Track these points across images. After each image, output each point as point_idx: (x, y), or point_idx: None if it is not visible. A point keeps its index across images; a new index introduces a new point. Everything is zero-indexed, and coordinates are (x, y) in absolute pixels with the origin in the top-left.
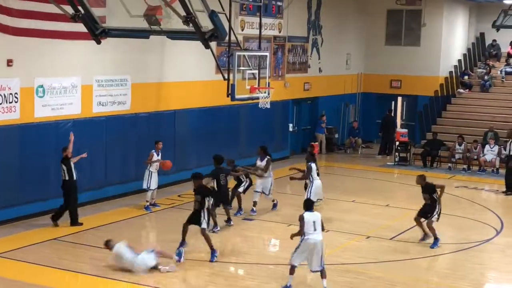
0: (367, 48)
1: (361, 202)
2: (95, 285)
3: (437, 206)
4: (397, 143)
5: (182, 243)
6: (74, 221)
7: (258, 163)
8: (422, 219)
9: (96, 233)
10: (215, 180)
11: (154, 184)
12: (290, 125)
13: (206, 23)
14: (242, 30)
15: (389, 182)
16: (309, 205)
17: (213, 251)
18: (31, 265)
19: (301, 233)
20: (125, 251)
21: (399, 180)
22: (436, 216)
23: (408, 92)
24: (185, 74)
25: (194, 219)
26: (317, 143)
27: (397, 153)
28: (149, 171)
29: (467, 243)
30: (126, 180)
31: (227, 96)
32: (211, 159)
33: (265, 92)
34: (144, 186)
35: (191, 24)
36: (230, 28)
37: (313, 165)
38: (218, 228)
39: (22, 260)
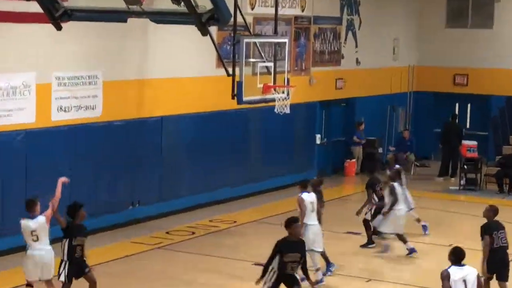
0: (421, 32)
1: (413, 241)
2: None
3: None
4: (464, 160)
5: None
6: None
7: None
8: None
9: None
10: None
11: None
12: (318, 136)
13: (203, 2)
14: (252, 9)
15: (453, 213)
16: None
17: None
18: None
19: None
20: None
21: (467, 210)
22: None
23: (477, 90)
24: (176, 69)
25: None
26: (353, 160)
27: (463, 174)
28: None
29: None
30: (97, 212)
31: (232, 98)
32: (210, 183)
33: (283, 92)
34: None
35: (182, 3)
36: (236, 6)
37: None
38: None
39: None
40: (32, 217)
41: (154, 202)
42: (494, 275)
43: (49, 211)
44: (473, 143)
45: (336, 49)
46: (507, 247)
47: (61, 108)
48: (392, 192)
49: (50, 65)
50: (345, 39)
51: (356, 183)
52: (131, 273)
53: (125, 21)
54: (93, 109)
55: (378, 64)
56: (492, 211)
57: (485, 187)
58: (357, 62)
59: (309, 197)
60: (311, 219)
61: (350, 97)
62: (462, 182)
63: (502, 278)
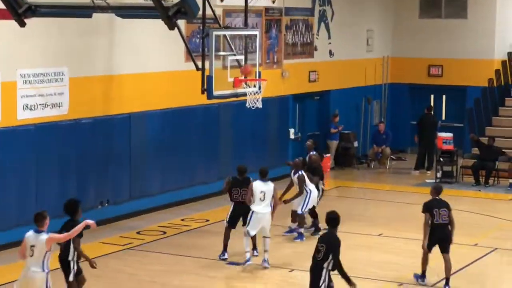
0: (395, 23)
1: (391, 235)
2: None
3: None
4: (440, 152)
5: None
6: None
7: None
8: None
9: None
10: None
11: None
12: (291, 130)
13: None
14: (222, 0)
15: None
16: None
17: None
18: None
19: None
20: None
21: None
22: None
23: (452, 81)
24: (143, 64)
25: None
26: (328, 155)
27: (439, 167)
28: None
29: None
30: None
31: (202, 93)
32: (181, 181)
33: (254, 86)
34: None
35: None
36: None
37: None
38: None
39: None
40: (38, 231)
41: (124, 201)
42: (437, 247)
43: (57, 236)
44: (449, 135)
45: (308, 41)
46: (447, 224)
47: (27, 107)
48: (301, 180)
49: (14, 62)
50: (318, 31)
51: (331, 178)
52: (100, 276)
53: (90, 16)
54: (59, 106)
55: (351, 55)
56: (435, 189)
57: (462, 179)
58: (331, 54)
59: (263, 186)
60: (258, 207)
61: (323, 90)
62: (439, 175)
63: (444, 251)
